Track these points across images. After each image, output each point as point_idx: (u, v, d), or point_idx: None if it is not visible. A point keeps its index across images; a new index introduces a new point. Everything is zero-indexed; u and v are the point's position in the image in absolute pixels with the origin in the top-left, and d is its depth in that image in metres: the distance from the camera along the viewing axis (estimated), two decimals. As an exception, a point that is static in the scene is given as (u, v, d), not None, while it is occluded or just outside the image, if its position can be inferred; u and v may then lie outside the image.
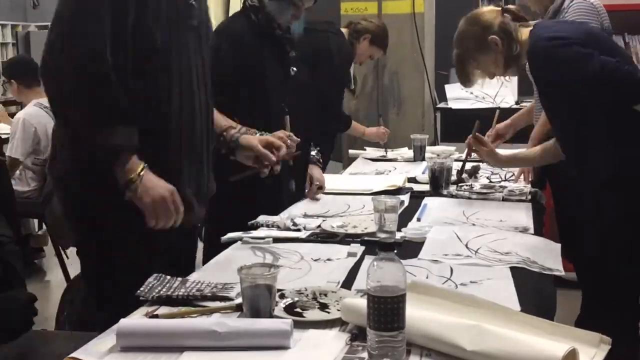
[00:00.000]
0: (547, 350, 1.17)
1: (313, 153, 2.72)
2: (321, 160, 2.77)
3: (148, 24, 1.73)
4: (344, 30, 3.84)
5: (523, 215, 2.33)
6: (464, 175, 2.87)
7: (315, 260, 1.87)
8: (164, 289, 1.55)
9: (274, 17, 2.44)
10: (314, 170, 2.69)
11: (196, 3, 1.88)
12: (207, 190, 1.98)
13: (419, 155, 3.44)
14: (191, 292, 1.54)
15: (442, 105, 4.88)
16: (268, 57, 2.47)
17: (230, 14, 2.60)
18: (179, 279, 1.62)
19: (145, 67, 1.74)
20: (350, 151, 3.97)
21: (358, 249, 1.95)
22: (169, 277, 1.62)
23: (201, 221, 2.03)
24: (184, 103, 1.83)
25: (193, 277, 1.70)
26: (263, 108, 2.44)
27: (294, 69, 2.53)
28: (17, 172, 4.15)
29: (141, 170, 1.70)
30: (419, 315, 1.31)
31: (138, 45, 1.72)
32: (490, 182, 2.88)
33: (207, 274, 1.74)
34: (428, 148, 3.55)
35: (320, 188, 2.66)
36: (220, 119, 2.17)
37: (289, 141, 2.17)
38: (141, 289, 1.55)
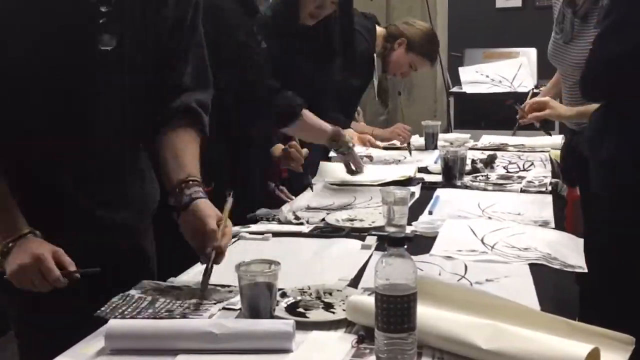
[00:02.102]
0: (569, 350, 1.17)
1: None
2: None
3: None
4: (379, 30, 3.42)
5: (543, 208, 2.33)
6: (479, 165, 2.87)
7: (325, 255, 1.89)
8: (129, 309, 1.50)
9: None
10: None
11: (109, 8, 1.57)
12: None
13: (431, 144, 3.44)
14: (160, 313, 1.48)
15: (455, 89, 4.89)
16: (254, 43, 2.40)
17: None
18: (149, 298, 1.55)
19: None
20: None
21: (372, 241, 1.96)
22: (137, 296, 1.55)
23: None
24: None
25: (182, 277, 1.70)
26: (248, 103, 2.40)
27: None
28: None
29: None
30: (431, 314, 1.31)
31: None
32: (508, 172, 2.88)
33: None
34: (440, 136, 3.54)
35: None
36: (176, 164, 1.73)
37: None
38: (102, 308, 1.49)
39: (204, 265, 1.59)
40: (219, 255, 1.59)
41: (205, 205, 1.63)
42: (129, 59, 1.62)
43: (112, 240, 1.68)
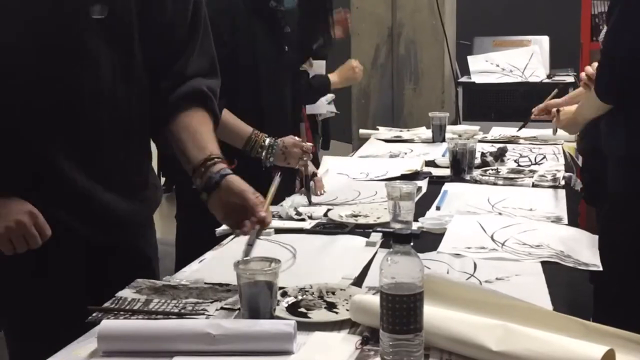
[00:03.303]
0: (583, 351, 1.17)
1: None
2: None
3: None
4: None
5: (556, 203, 2.32)
6: (489, 159, 2.87)
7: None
8: (121, 312, 1.49)
9: None
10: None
11: None
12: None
13: (439, 136, 3.43)
14: (155, 314, 1.48)
15: (464, 79, 4.87)
16: (260, 34, 2.44)
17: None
18: (142, 298, 1.56)
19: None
20: (361, 131, 3.96)
21: (377, 238, 1.95)
22: (130, 298, 1.56)
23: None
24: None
25: (179, 276, 1.70)
26: (256, 98, 2.44)
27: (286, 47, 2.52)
28: None
29: None
30: (438, 314, 1.30)
31: None
32: (519, 165, 2.87)
33: (203, 272, 1.75)
34: (448, 127, 3.54)
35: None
36: (199, 140, 1.76)
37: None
38: (94, 314, 1.48)
39: (246, 237, 1.61)
40: (263, 226, 1.64)
41: (238, 181, 1.64)
42: (119, 29, 1.66)
43: (103, 229, 1.71)
